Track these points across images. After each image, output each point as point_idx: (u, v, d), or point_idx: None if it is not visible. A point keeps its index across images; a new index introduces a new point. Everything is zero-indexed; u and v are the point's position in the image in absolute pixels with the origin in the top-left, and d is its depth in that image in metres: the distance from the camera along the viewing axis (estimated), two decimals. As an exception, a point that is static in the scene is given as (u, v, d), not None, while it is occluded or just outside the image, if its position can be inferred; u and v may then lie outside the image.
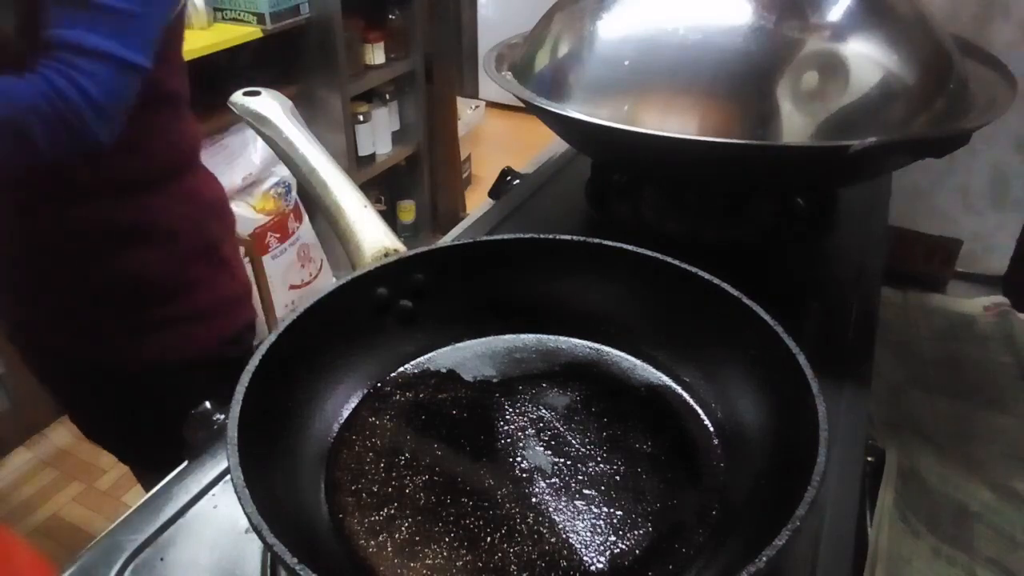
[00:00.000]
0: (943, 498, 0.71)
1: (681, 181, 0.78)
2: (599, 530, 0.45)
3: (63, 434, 2.13)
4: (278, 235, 2.27)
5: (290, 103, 0.69)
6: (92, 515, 1.91)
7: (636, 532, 0.45)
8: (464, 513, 0.47)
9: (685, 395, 0.56)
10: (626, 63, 0.69)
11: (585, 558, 0.44)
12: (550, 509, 0.47)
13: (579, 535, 0.45)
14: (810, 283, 0.79)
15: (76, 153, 0.80)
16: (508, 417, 0.54)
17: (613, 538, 0.45)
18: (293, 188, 2.31)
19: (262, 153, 2.12)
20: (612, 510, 0.47)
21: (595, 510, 0.47)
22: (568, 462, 0.50)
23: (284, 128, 0.65)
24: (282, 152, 0.65)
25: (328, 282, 1.96)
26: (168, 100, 0.93)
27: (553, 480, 0.49)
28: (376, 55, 2.53)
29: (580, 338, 0.62)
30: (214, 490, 0.53)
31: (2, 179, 0.86)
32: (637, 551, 0.44)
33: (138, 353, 0.98)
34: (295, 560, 0.36)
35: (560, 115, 0.69)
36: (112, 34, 0.79)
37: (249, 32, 2.06)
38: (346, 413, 0.55)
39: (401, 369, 0.59)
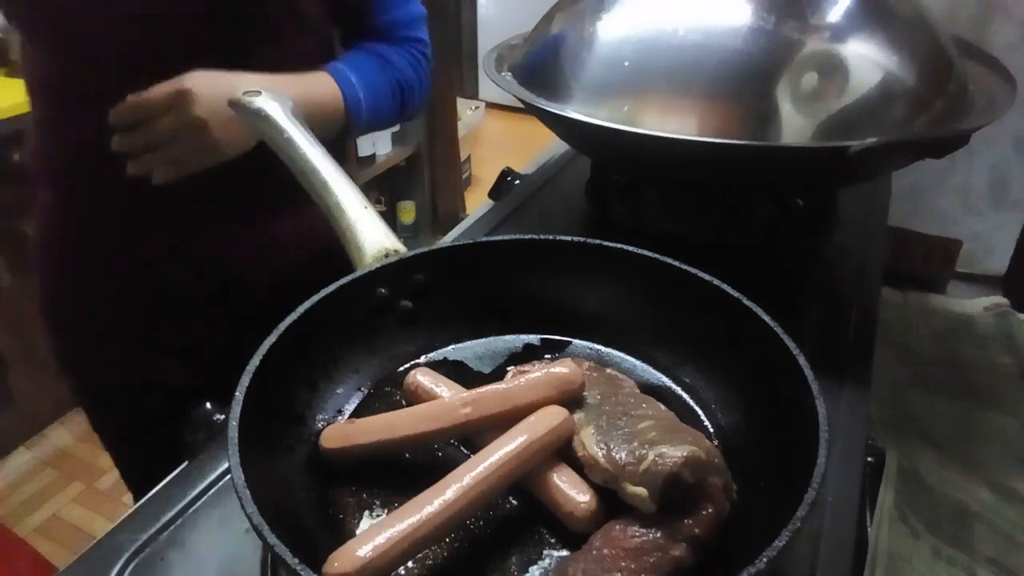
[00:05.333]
0: (943, 498, 0.71)
1: (681, 181, 0.78)
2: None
3: (63, 434, 2.13)
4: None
5: (291, 103, 0.69)
6: (92, 515, 1.91)
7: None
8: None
9: (685, 395, 0.56)
10: (626, 64, 0.69)
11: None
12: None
13: (581, 536, 0.45)
14: (810, 283, 0.79)
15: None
16: (508, 417, 0.54)
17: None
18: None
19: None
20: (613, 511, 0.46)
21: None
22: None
23: (285, 128, 0.65)
24: (282, 152, 0.65)
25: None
26: None
27: (553, 480, 0.49)
28: (376, 55, 2.53)
29: (580, 338, 0.62)
30: (214, 490, 0.53)
31: None
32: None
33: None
34: (295, 560, 0.36)
35: (560, 116, 0.69)
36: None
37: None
38: (347, 412, 0.55)
39: (402, 369, 0.59)
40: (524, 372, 0.52)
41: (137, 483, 1.09)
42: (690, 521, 0.41)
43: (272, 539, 0.36)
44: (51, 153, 0.86)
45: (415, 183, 2.95)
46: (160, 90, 0.70)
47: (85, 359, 0.97)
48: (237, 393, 0.45)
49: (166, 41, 0.76)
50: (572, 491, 0.45)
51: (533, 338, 0.62)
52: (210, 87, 0.71)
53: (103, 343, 0.94)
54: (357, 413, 0.55)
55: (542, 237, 0.61)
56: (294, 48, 0.84)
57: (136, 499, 0.55)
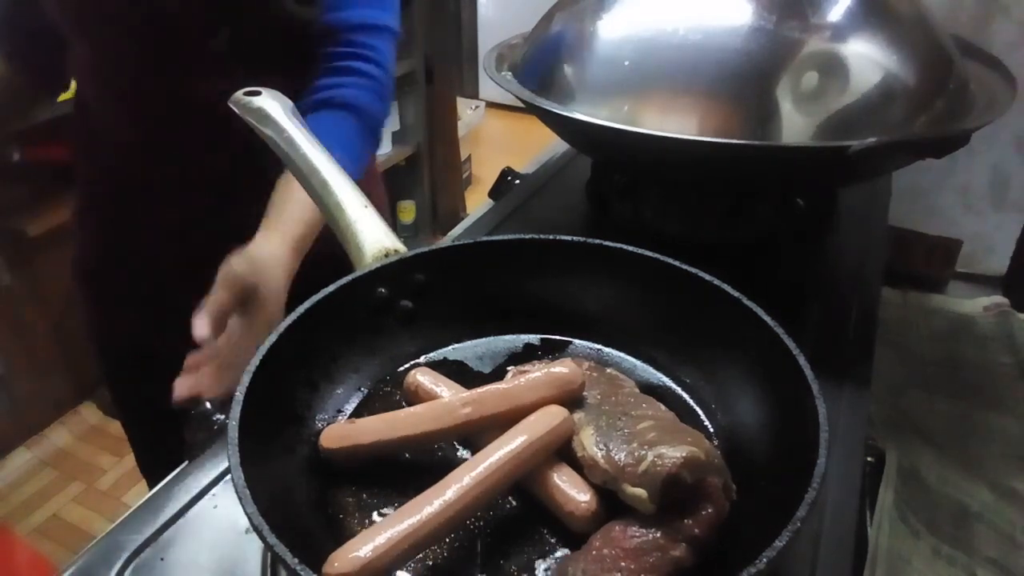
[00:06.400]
0: (943, 498, 0.71)
1: (681, 181, 0.78)
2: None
3: (63, 434, 2.13)
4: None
5: (291, 103, 0.69)
6: (92, 515, 1.91)
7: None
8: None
9: (685, 395, 0.56)
10: (626, 63, 0.69)
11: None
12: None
13: (581, 536, 0.45)
14: (810, 283, 0.79)
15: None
16: (508, 417, 0.54)
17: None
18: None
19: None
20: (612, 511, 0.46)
21: (595, 510, 0.47)
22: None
23: (285, 127, 0.65)
24: (283, 152, 0.65)
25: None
26: None
27: (553, 480, 0.49)
28: (376, 55, 2.53)
29: (580, 338, 0.62)
30: (214, 490, 0.53)
31: None
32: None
33: None
34: (295, 560, 0.36)
35: (560, 115, 0.69)
36: (384, 7, 0.90)
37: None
38: (347, 412, 0.55)
39: (402, 369, 0.59)
40: (524, 372, 0.52)
41: (150, 471, 1.16)
42: (690, 521, 0.41)
43: (272, 539, 0.36)
44: (86, 133, 0.94)
45: (415, 183, 2.95)
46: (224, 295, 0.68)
47: (115, 328, 1.04)
48: (237, 393, 0.45)
49: (176, 41, 0.82)
50: (572, 491, 0.45)
51: (533, 338, 0.62)
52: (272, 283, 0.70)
53: (131, 311, 1.00)
54: (357, 413, 0.55)
55: (542, 237, 0.61)
56: (294, 46, 0.87)
57: (150, 487, 0.56)
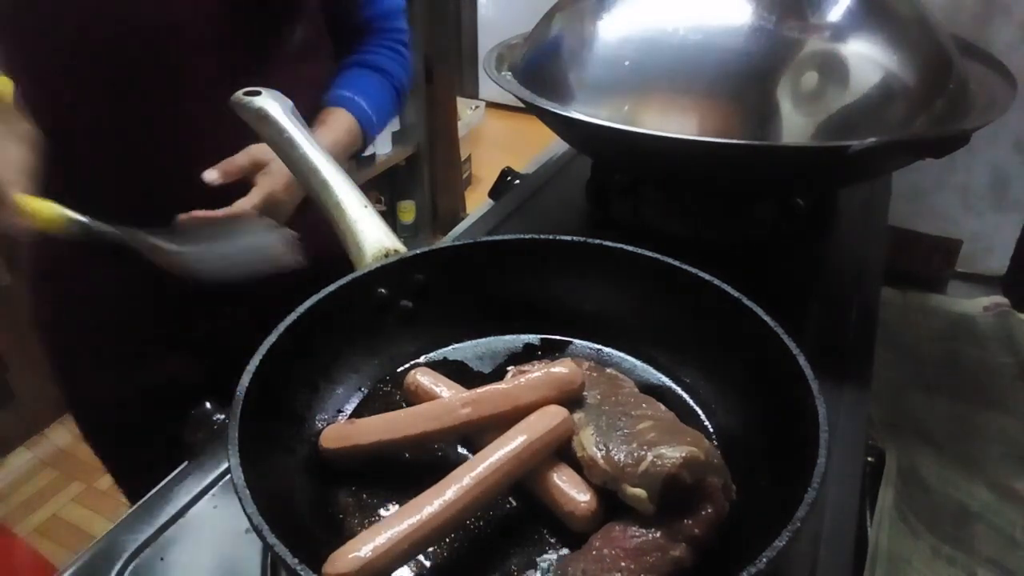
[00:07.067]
0: (943, 498, 0.71)
1: (681, 181, 0.78)
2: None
3: (63, 434, 2.13)
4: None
5: (291, 103, 0.69)
6: (92, 515, 1.91)
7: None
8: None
9: (685, 395, 0.56)
10: (626, 63, 0.68)
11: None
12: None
13: (581, 536, 0.45)
14: (810, 283, 0.79)
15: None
16: (508, 417, 0.54)
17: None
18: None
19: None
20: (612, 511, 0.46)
21: (595, 510, 0.47)
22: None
23: (285, 127, 0.65)
24: (282, 152, 0.65)
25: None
26: None
27: (553, 480, 0.49)
28: (376, 55, 2.53)
29: (580, 338, 0.62)
30: (214, 490, 0.53)
31: None
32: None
33: None
34: (296, 560, 0.36)
35: (561, 115, 0.69)
36: None
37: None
38: (347, 412, 0.55)
39: (401, 369, 0.59)
40: (524, 372, 0.52)
41: (132, 487, 1.10)
42: (690, 521, 0.41)
43: (272, 539, 0.36)
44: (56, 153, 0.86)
45: (415, 183, 2.95)
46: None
47: (83, 366, 1.00)
48: (237, 393, 0.45)
49: (180, 39, 0.78)
50: (572, 491, 0.45)
51: (533, 338, 0.62)
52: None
53: (102, 346, 0.97)
54: (357, 413, 0.55)
55: (542, 237, 0.61)
56: (296, 44, 0.86)
57: (132, 502, 0.55)
